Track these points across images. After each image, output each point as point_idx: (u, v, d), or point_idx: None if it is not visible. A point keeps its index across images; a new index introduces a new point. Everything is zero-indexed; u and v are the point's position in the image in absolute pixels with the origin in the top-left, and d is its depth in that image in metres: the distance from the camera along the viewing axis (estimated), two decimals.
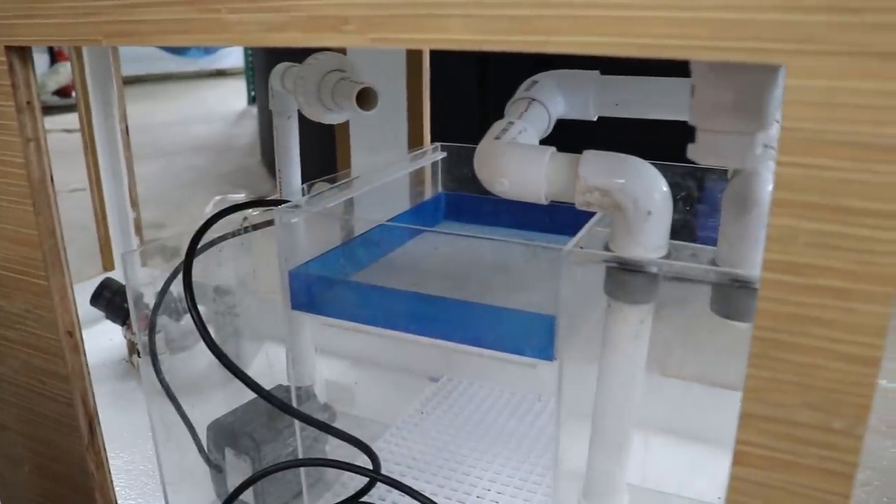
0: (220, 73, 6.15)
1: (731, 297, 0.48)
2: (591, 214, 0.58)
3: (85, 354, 0.60)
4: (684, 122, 0.43)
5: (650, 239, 0.49)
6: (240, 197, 2.87)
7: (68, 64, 4.46)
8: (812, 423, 0.33)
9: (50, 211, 0.56)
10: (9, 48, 0.52)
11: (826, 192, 0.30)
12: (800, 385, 0.33)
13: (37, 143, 0.55)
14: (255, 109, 4.50)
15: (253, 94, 4.95)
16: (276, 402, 0.62)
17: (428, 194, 0.89)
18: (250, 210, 0.76)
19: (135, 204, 1.43)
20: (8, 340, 0.61)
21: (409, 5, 0.36)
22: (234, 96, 5.29)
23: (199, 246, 0.67)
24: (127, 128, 1.39)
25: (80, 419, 0.61)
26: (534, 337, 0.55)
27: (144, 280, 0.84)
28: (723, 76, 0.37)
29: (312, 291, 0.65)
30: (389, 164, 0.81)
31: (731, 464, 0.35)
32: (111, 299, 1.17)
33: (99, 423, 0.63)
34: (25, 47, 0.53)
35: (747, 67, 0.31)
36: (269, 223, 0.77)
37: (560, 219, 0.73)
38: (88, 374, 0.61)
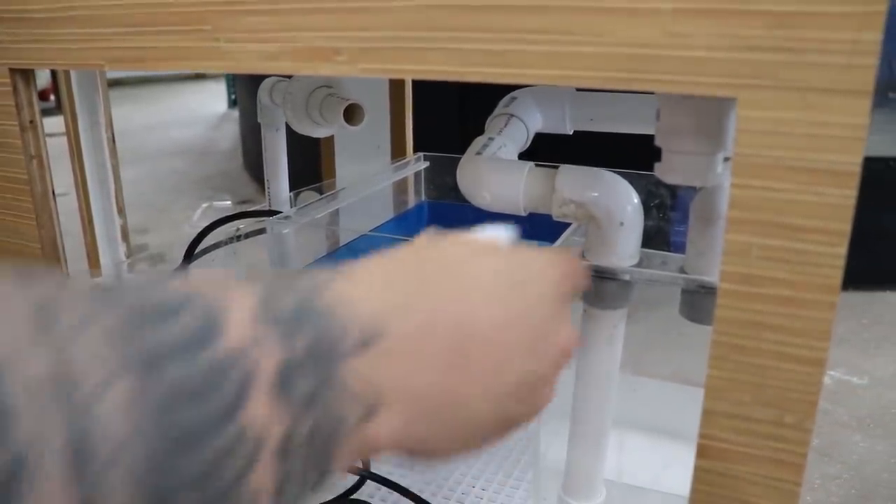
0: (201, 76, 6.14)
1: (698, 302, 0.51)
2: (568, 224, 0.61)
3: None
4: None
5: (623, 248, 0.52)
6: (226, 204, 2.88)
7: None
8: (766, 419, 0.36)
9: (52, 225, 0.59)
10: (13, 70, 0.54)
11: (775, 212, 0.33)
12: (755, 384, 0.36)
13: (39, 160, 0.57)
14: (235, 113, 4.50)
15: (233, 97, 4.95)
16: None
17: (411, 203, 0.92)
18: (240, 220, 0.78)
19: (121, 210, 1.44)
20: None
21: (395, 38, 0.39)
22: (214, 99, 5.29)
23: (193, 254, 0.70)
24: (113, 135, 1.40)
25: None
26: None
27: None
28: (684, 104, 0.40)
29: None
30: (374, 174, 0.83)
31: (695, 457, 0.39)
32: None
33: None
34: (28, 69, 0.55)
35: (705, 96, 0.34)
36: (259, 232, 0.80)
37: (540, 227, 0.77)
38: None
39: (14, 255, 0.60)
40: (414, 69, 0.39)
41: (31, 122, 0.56)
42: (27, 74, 0.55)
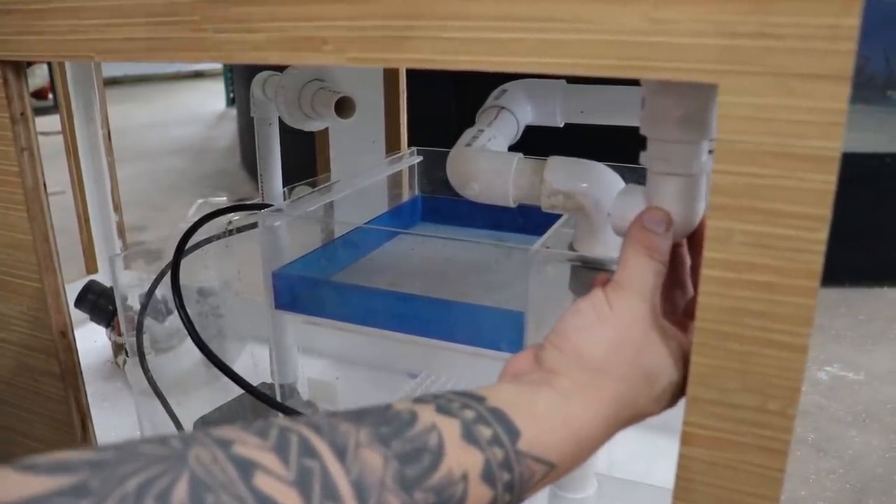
0: (199, 75, 6.14)
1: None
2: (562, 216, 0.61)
3: (77, 354, 0.63)
4: None
5: (611, 238, 0.52)
6: (222, 200, 2.88)
7: (44, 66, 4.44)
8: (750, 405, 0.37)
9: (43, 217, 0.59)
10: (3, 62, 0.54)
11: (757, 197, 0.34)
12: (739, 371, 0.36)
13: (30, 153, 0.57)
14: (233, 111, 4.50)
15: (232, 95, 4.95)
16: (262, 398, 0.65)
17: (405, 197, 0.92)
18: (233, 214, 0.79)
19: (117, 207, 1.44)
20: (3, 342, 0.64)
21: (382, 28, 0.39)
22: (212, 98, 5.28)
23: (184, 249, 0.70)
24: (109, 132, 1.40)
25: (73, 416, 0.63)
26: (505, 332, 0.58)
27: (131, 282, 0.86)
28: (669, 91, 0.40)
29: (295, 291, 0.68)
30: (368, 168, 0.84)
31: (680, 444, 0.39)
32: (96, 301, 1.18)
33: (91, 421, 0.65)
34: (19, 62, 0.55)
35: (690, 84, 0.34)
36: (252, 226, 0.80)
37: (532, 220, 0.77)
38: (81, 372, 0.63)
39: (5, 247, 0.60)
40: (401, 57, 0.40)
41: (23, 114, 0.56)
42: (17, 67, 0.55)
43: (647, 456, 0.77)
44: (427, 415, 0.35)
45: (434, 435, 0.34)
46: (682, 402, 0.42)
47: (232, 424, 0.31)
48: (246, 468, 0.28)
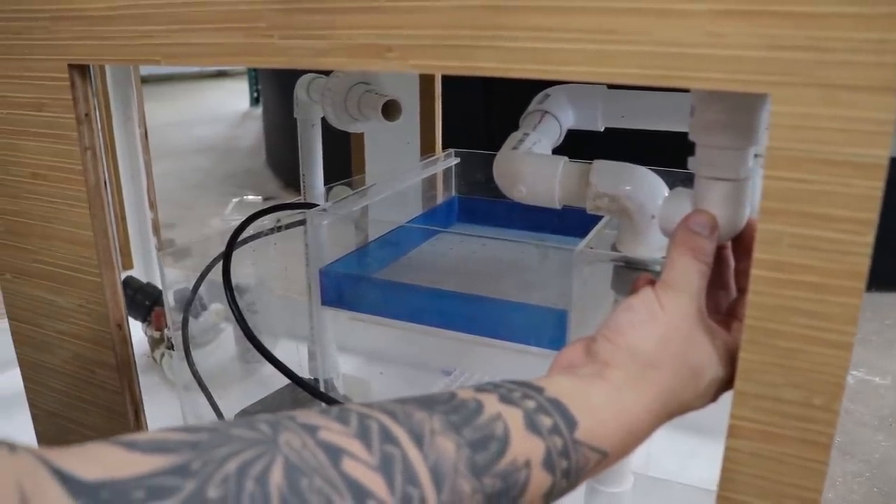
0: (222, 74, 6.19)
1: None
2: (595, 218, 0.63)
3: (132, 346, 0.65)
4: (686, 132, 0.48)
5: (654, 240, 0.54)
6: (256, 199, 2.91)
7: None
8: (795, 400, 0.38)
9: (104, 213, 0.61)
10: (71, 66, 0.57)
11: (806, 202, 0.35)
12: (785, 367, 0.38)
13: (93, 152, 0.60)
14: (257, 110, 4.54)
15: (256, 95, 4.99)
16: (311, 390, 0.67)
17: (441, 198, 0.94)
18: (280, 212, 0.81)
19: (153, 205, 1.47)
20: (60, 333, 0.66)
21: (444, 37, 0.41)
22: (236, 97, 5.33)
23: (234, 245, 0.72)
24: (146, 131, 1.44)
25: (127, 406, 0.66)
26: (548, 329, 0.60)
27: (176, 279, 0.89)
28: (718, 100, 0.42)
29: (342, 288, 0.70)
30: (406, 170, 0.86)
31: (727, 437, 0.41)
32: (133, 297, 1.21)
33: (143, 411, 0.68)
34: (86, 65, 0.58)
35: (738, 93, 0.36)
36: (297, 224, 0.82)
37: (567, 221, 0.79)
38: (135, 364, 0.66)
39: (68, 242, 0.62)
40: (462, 66, 0.42)
41: (87, 115, 0.59)
42: (83, 69, 0.58)
43: (681, 455, 0.79)
44: (492, 404, 0.37)
45: (500, 424, 0.36)
46: (722, 399, 0.44)
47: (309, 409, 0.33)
48: (334, 453, 0.30)
